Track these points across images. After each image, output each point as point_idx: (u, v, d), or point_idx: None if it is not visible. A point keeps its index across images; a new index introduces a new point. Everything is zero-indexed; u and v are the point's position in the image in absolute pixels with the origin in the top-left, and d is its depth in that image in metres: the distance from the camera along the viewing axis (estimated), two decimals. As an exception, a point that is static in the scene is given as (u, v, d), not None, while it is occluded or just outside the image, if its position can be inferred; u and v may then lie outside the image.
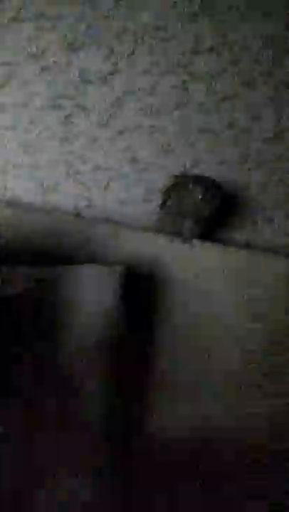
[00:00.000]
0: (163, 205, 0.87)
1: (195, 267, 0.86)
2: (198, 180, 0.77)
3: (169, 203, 0.84)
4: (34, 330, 0.65)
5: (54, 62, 0.87)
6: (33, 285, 0.67)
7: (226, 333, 0.89)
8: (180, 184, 0.81)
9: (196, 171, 0.92)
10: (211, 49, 0.94)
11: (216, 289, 0.88)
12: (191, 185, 0.77)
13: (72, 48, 0.88)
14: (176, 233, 0.84)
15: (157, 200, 0.94)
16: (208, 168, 0.97)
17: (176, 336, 0.86)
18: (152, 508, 0.70)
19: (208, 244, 0.87)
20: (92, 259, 0.79)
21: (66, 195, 0.88)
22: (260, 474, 0.87)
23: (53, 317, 0.67)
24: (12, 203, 0.86)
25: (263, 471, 0.89)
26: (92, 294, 0.70)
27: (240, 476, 0.85)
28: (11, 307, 0.64)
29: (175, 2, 0.91)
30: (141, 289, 0.83)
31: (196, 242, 0.86)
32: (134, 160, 0.91)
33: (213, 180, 0.77)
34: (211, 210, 0.78)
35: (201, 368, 0.88)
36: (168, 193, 0.86)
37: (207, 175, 0.86)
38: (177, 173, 0.94)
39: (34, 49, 0.86)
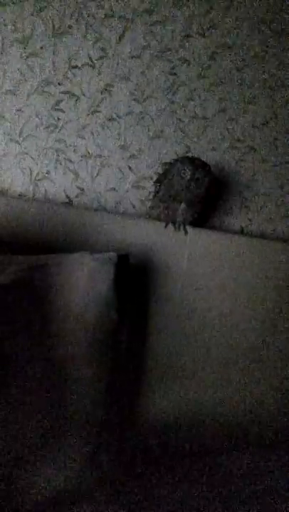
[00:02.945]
0: (156, 194, 0.86)
1: (189, 253, 0.85)
2: (187, 160, 0.77)
3: (161, 192, 0.83)
4: (28, 317, 0.64)
5: (41, 47, 0.85)
6: (26, 273, 0.65)
7: (221, 318, 0.89)
8: (170, 169, 0.80)
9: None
10: (202, 33, 0.93)
11: (211, 275, 0.87)
12: (180, 166, 0.77)
13: (59, 32, 0.85)
14: (170, 220, 0.83)
15: (149, 186, 0.93)
16: (200, 155, 0.96)
17: (170, 321, 0.85)
18: (148, 487, 0.70)
19: (202, 230, 0.86)
20: (85, 247, 0.78)
21: (57, 184, 0.87)
22: (251, 453, 0.88)
23: (47, 305, 0.66)
24: (4, 193, 0.85)
25: (255, 450, 0.90)
26: (85, 282, 0.69)
27: (232, 455, 0.85)
28: (5, 295, 0.63)
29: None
30: (135, 276, 0.82)
31: (189, 228, 0.85)
32: (124, 147, 0.90)
33: (202, 161, 0.77)
34: (201, 189, 0.78)
35: (197, 353, 0.88)
36: (160, 181, 0.85)
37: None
38: (168, 160, 0.93)
39: (19, 34, 0.84)
